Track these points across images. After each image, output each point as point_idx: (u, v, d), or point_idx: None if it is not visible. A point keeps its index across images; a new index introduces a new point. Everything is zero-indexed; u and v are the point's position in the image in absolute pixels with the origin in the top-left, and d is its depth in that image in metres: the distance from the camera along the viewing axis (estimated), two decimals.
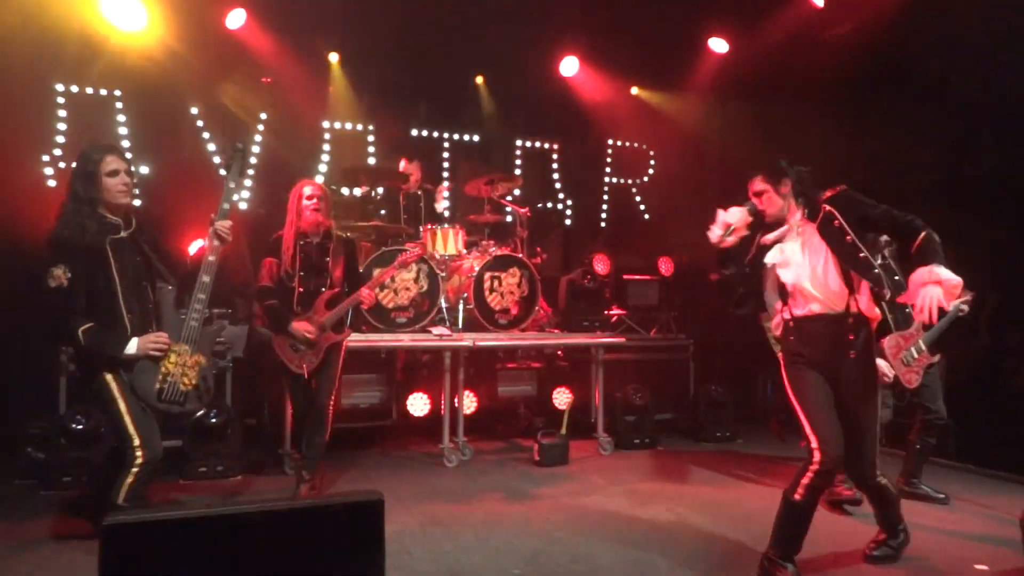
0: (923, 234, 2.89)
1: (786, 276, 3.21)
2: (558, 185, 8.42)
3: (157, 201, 6.50)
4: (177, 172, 6.59)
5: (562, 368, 6.71)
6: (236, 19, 6.52)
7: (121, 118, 6.44)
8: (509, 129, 8.13)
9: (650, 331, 7.06)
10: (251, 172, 7.00)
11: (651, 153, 8.72)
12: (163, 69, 6.31)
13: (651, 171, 8.72)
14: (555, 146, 8.43)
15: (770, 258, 3.23)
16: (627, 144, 8.67)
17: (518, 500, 4.51)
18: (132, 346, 3.25)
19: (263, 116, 7.02)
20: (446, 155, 7.93)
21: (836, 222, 3.12)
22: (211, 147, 6.80)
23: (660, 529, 3.95)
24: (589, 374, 6.19)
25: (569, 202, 8.43)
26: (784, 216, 3.25)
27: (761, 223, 3.26)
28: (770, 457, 5.79)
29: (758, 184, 3.25)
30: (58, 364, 5.06)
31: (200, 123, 6.76)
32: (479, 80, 7.89)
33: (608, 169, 8.62)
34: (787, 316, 3.28)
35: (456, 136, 7.97)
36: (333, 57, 7.30)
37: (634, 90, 8.32)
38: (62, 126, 6.24)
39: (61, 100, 6.27)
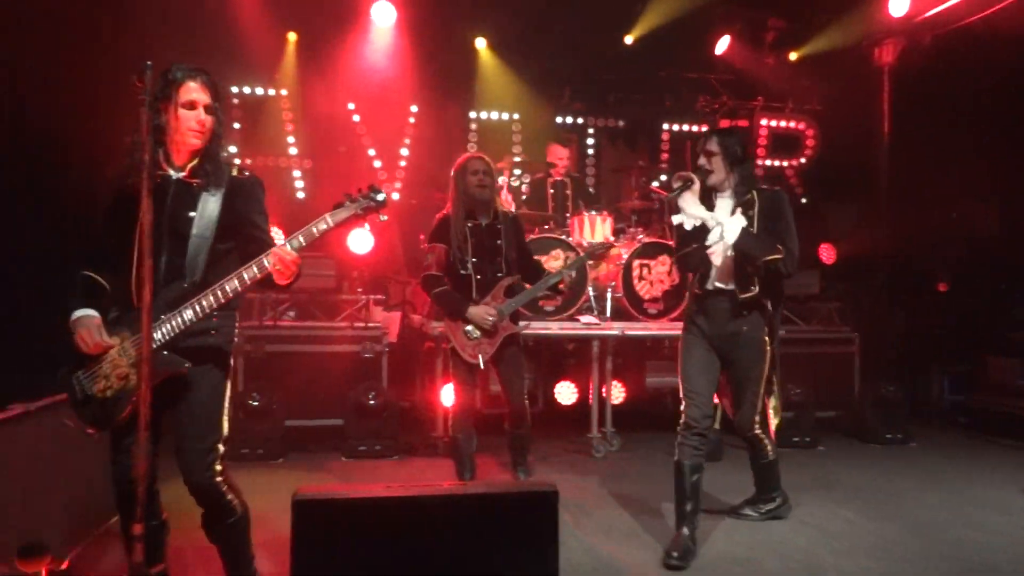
0: (780, 255, 3.30)
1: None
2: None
3: (317, 193, 6.91)
4: (336, 165, 6.95)
5: None
6: (382, 13, 6.71)
7: (287, 116, 6.86)
8: (655, 113, 7.90)
9: (809, 323, 6.62)
10: (402, 164, 7.24)
11: (809, 133, 8.17)
12: (322, 68, 6.66)
13: (809, 152, 8.17)
14: (703, 128, 8.09)
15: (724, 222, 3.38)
16: (783, 124, 8.18)
17: (670, 495, 4.37)
18: (77, 314, 2.45)
19: (414, 110, 7.23)
20: (591, 141, 7.83)
21: (750, 211, 3.36)
22: (366, 141, 7.10)
23: (830, 535, 3.69)
24: None
25: None
26: (722, 186, 3.42)
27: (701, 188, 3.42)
28: (950, 460, 5.28)
29: (711, 144, 3.41)
30: (237, 345, 5.47)
31: (356, 118, 7.07)
32: (628, 40, 7.61)
33: (761, 151, 8.17)
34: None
35: (601, 121, 7.84)
36: (480, 42, 7.35)
37: (793, 55, 7.80)
38: (236, 124, 6.74)
39: (235, 101, 6.77)
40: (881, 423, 5.93)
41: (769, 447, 3.82)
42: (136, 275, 2.43)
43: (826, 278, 6.77)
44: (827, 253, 6.82)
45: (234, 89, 6.74)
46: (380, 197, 2.64)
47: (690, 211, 3.37)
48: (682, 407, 3.49)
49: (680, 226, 3.43)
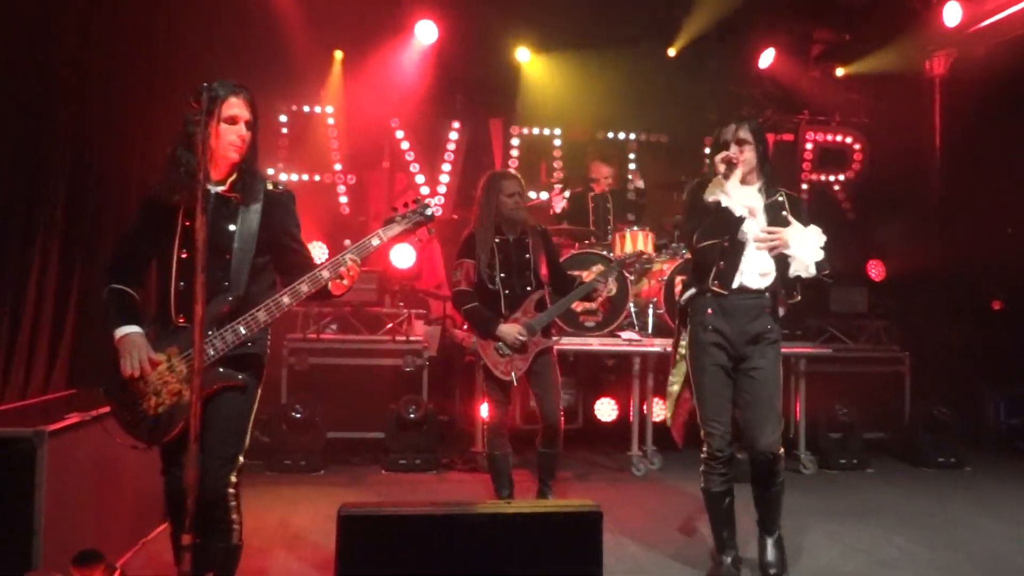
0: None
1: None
2: None
3: (361, 208, 7.00)
4: (381, 182, 7.06)
5: None
6: (425, 31, 6.80)
7: (332, 132, 6.98)
8: (698, 127, 7.82)
9: (857, 341, 6.46)
10: (444, 179, 7.31)
11: (857, 147, 8.00)
12: (366, 85, 6.78)
13: (857, 166, 8.00)
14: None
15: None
16: (829, 138, 8.03)
17: None
18: (122, 331, 2.44)
19: (455, 125, 7.30)
20: (632, 156, 7.79)
21: (783, 212, 3.20)
22: (409, 156, 7.18)
23: (881, 563, 3.57)
24: (787, 385, 5.77)
25: None
26: (749, 180, 3.20)
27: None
28: (1007, 487, 5.07)
29: (743, 132, 3.16)
30: (281, 356, 5.56)
31: (399, 134, 7.16)
32: (671, 52, 7.58)
33: (806, 165, 8.02)
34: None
35: (644, 136, 7.80)
36: (522, 57, 7.38)
37: (840, 71, 7.67)
38: (283, 141, 6.89)
39: (283, 118, 6.92)
40: (933, 446, 5.73)
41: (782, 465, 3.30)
42: (176, 291, 2.46)
43: (874, 295, 6.59)
44: (876, 270, 6.65)
45: (282, 107, 6.89)
46: (428, 212, 2.69)
47: (736, 197, 3.08)
48: (702, 434, 3.24)
49: (718, 211, 3.08)
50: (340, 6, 6.50)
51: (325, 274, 2.52)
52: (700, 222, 3.17)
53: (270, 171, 6.79)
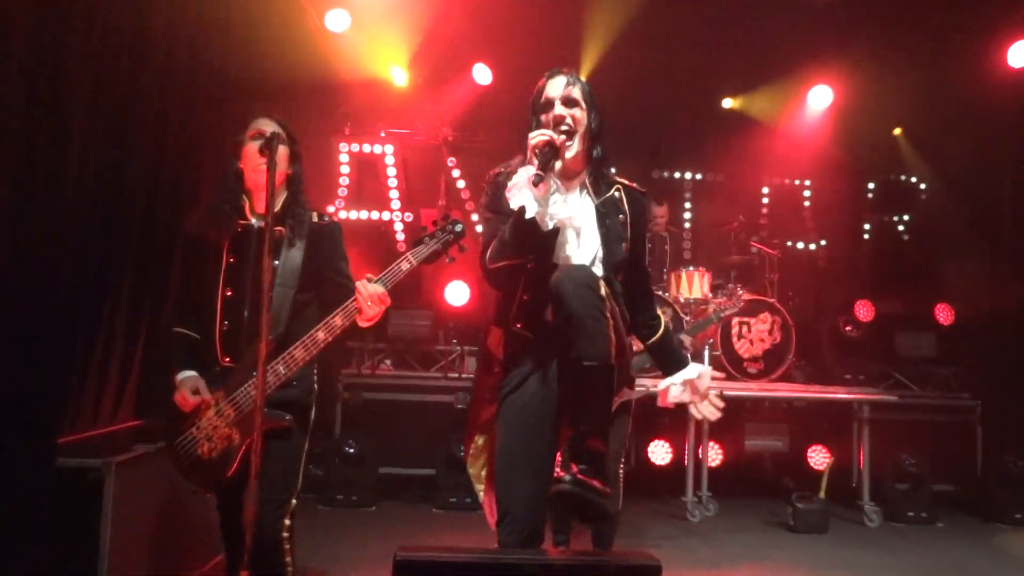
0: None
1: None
2: (810, 224, 7.82)
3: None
4: (435, 217, 7.13)
5: (818, 424, 6.11)
6: (482, 74, 6.94)
7: (391, 171, 7.14)
8: (754, 167, 7.74)
9: (924, 388, 6.20)
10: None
11: (921, 187, 7.78)
12: (425, 124, 6.93)
13: (921, 206, 7.77)
14: (806, 182, 7.85)
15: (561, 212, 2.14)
16: (891, 178, 7.83)
17: (774, 569, 4.13)
18: (180, 376, 2.49)
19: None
20: (688, 195, 7.74)
21: (622, 216, 2.30)
22: (464, 195, 7.28)
23: None
24: (849, 433, 5.57)
25: (823, 242, 7.78)
26: (573, 165, 2.25)
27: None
28: None
29: (575, 90, 2.27)
30: (336, 391, 5.63)
31: (456, 172, 7.28)
32: (726, 104, 7.57)
33: (868, 206, 7.83)
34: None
35: (699, 176, 7.75)
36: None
37: (896, 131, 7.54)
38: (344, 180, 7.07)
39: (345, 158, 7.12)
40: (1008, 501, 5.42)
41: None
42: (221, 330, 2.46)
43: (943, 340, 6.34)
44: (944, 314, 6.40)
45: (343, 147, 7.09)
46: (459, 228, 2.55)
47: (555, 209, 2.09)
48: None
49: (518, 217, 2.06)
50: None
51: (356, 305, 2.44)
52: (493, 232, 2.22)
53: (330, 208, 6.98)
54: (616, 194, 2.32)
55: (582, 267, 2.13)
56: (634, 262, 2.33)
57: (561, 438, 2.03)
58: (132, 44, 3.32)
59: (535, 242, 2.11)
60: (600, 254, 2.23)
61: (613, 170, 2.44)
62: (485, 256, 2.23)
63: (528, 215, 2.04)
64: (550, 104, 2.26)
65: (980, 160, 7.04)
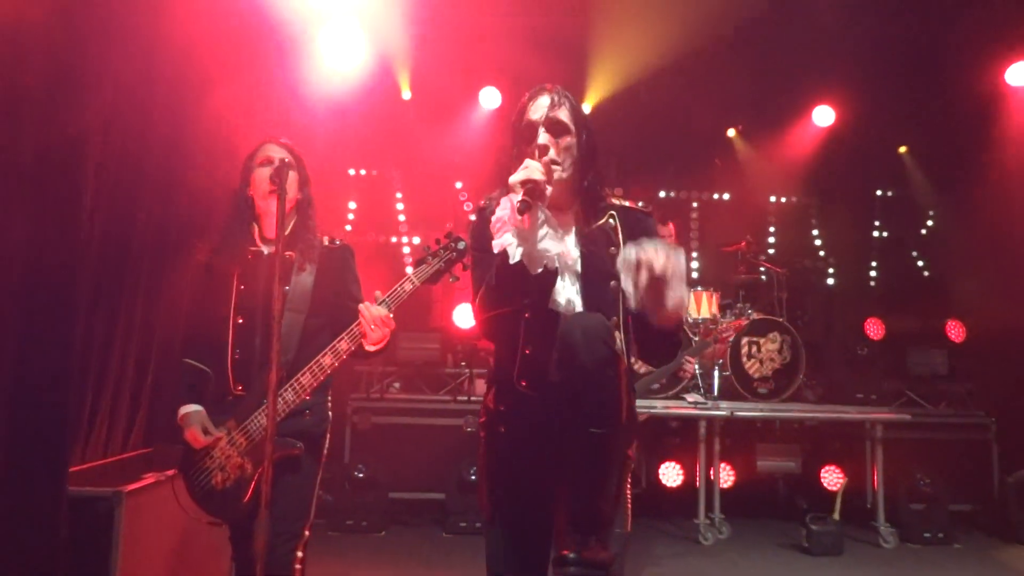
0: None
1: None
2: (818, 242, 7.81)
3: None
4: (442, 240, 7.17)
5: (830, 444, 6.06)
6: (490, 98, 7.00)
7: (398, 195, 7.21)
8: (761, 186, 7.75)
9: (937, 405, 6.14)
10: None
11: (929, 201, 7.75)
12: (432, 148, 7.00)
13: (930, 223, 7.74)
14: (812, 200, 7.85)
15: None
16: (898, 195, 7.81)
17: None
18: (183, 411, 2.47)
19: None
20: (695, 215, 7.76)
21: (613, 249, 1.97)
22: (473, 218, 7.33)
23: None
24: (862, 452, 5.52)
25: (831, 260, 7.76)
26: (562, 196, 1.98)
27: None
28: None
29: (563, 112, 1.97)
30: (344, 415, 5.64)
31: (463, 196, 7.33)
32: (730, 133, 7.62)
33: (876, 223, 7.81)
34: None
35: (705, 195, 7.77)
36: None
37: (902, 149, 7.54)
38: (352, 204, 7.14)
39: (352, 182, 7.19)
40: None
41: None
42: (232, 359, 2.44)
43: (955, 357, 6.29)
44: (955, 330, 6.35)
45: (351, 171, 7.16)
46: (461, 245, 2.42)
47: (547, 245, 1.83)
48: None
49: (503, 259, 1.81)
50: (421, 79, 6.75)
51: (360, 329, 2.40)
52: (484, 273, 1.95)
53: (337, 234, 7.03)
54: (611, 221, 2.02)
55: (594, 316, 1.80)
56: None
57: (562, 506, 1.77)
58: (144, 73, 3.39)
59: (527, 287, 1.82)
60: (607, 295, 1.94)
61: (617, 191, 2.23)
62: (476, 302, 1.97)
63: (513, 258, 1.77)
64: (532, 130, 1.97)
65: (985, 177, 7.02)
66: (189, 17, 3.75)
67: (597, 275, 1.95)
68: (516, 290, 1.83)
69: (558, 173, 1.92)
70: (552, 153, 1.92)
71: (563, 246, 1.93)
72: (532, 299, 1.86)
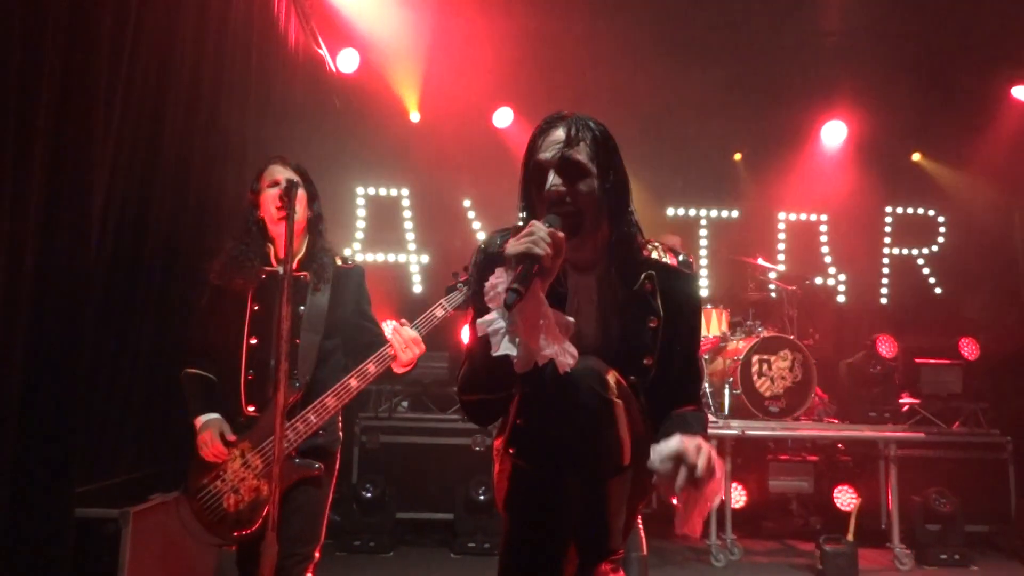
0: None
1: None
2: (828, 259, 7.77)
3: (432, 287, 7.14)
4: (450, 260, 7.19)
5: (843, 463, 5.98)
6: (503, 118, 7.04)
7: (407, 213, 7.21)
8: (770, 202, 7.73)
9: (951, 424, 6.06)
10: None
11: (940, 220, 7.71)
12: (440, 167, 7.02)
13: (941, 239, 7.68)
14: (823, 217, 7.82)
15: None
16: (910, 211, 7.77)
17: None
18: (202, 420, 2.46)
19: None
20: (703, 232, 7.73)
21: (653, 321, 1.67)
22: (480, 236, 7.33)
23: None
24: (876, 472, 5.44)
25: (842, 277, 7.71)
26: (585, 254, 1.69)
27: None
28: None
29: (580, 151, 1.63)
30: (352, 435, 5.61)
31: (471, 215, 7.33)
32: (737, 157, 7.66)
33: (887, 239, 7.77)
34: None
35: (714, 212, 7.75)
36: None
37: (916, 156, 7.52)
38: (361, 223, 7.15)
39: (361, 201, 7.20)
40: None
41: None
42: (246, 380, 2.43)
43: (969, 375, 6.21)
44: (969, 348, 6.28)
45: (359, 190, 7.18)
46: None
47: (544, 344, 1.50)
48: None
49: (484, 351, 1.51)
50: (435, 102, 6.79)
51: (391, 352, 2.45)
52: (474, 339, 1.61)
53: (347, 251, 7.04)
54: (647, 284, 1.69)
55: (585, 363, 1.54)
56: (677, 361, 1.73)
57: (575, 555, 1.59)
58: (154, 99, 3.41)
59: (511, 381, 1.53)
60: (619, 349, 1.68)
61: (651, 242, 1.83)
62: (457, 380, 1.69)
63: (496, 350, 1.44)
64: (542, 172, 1.62)
65: (996, 192, 7.00)
66: (199, 34, 3.79)
67: (630, 352, 1.66)
68: (498, 383, 1.56)
69: (574, 233, 1.58)
70: (568, 201, 1.58)
71: (565, 349, 1.48)
72: (520, 389, 1.58)
